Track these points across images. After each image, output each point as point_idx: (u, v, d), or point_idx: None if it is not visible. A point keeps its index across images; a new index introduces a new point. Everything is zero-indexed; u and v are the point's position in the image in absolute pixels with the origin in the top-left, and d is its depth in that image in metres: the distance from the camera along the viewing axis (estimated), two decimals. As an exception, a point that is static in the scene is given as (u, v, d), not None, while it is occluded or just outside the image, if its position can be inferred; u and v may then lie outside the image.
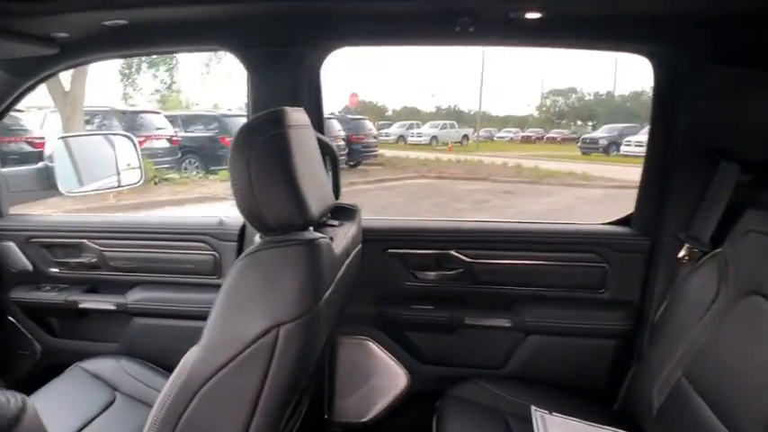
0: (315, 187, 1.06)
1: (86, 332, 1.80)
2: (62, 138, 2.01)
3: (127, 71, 13.67)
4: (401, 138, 21.30)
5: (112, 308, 1.73)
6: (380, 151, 14.92)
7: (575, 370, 1.62)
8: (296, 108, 1.07)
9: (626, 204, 1.67)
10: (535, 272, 1.63)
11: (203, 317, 1.70)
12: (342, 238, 1.19)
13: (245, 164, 0.94)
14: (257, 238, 1.58)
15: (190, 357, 0.96)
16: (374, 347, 1.72)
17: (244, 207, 0.96)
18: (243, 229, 1.68)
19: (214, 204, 8.64)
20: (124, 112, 11.52)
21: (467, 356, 1.69)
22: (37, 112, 11.21)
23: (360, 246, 1.38)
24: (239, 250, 1.68)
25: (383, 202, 9.11)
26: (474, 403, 1.48)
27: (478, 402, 1.48)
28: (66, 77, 11.41)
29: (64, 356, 1.77)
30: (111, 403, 1.46)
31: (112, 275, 1.76)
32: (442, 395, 1.54)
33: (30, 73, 1.61)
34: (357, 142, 13.18)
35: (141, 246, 1.73)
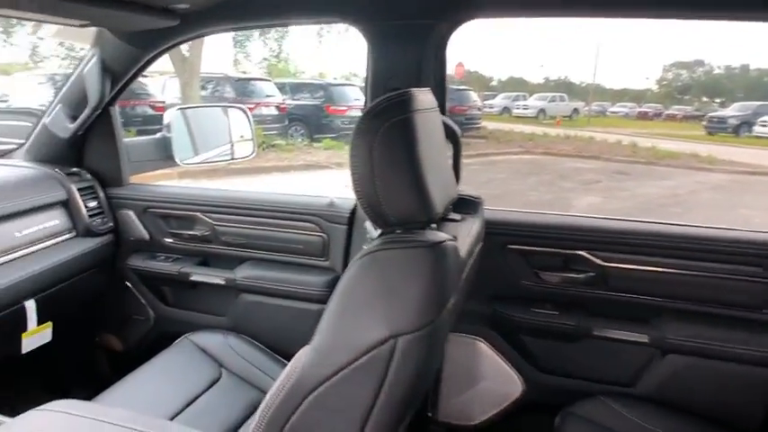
0: (439, 179, 0.94)
1: (196, 304, 1.82)
2: (180, 109, 2.02)
3: (240, 37, 14.16)
4: (506, 110, 20.56)
5: (222, 282, 1.72)
6: (483, 123, 14.48)
7: (722, 400, 1.39)
8: (422, 89, 0.94)
9: (760, 193, 1.37)
10: (683, 283, 1.41)
11: (310, 299, 1.70)
12: (465, 236, 1.06)
13: (367, 151, 0.84)
14: (368, 225, 1.49)
15: (301, 358, 0.88)
16: (486, 349, 1.58)
17: (363, 199, 0.87)
18: (353, 212, 1.60)
19: (317, 172, 8.81)
20: (237, 79, 12.00)
21: (592, 370, 1.51)
22: (158, 77, 11.97)
23: (481, 243, 1.24)
24: (349, 234, 1.60)
25: (484, 178, 8.84)
26: (598, 425, 1.32)
27: (603, 424, 1.32)
28: (184, 45, 12.01)
29: (174, 325, 1.81)
30: (217, 380, 1.47)
31: (223, 249, 1.75)
32: (560, 409, 1.40)
33: (151, 45, 1.60)
34: (460, 114, 12.87)
35: (252, 222, 1.70)
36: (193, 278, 1.75)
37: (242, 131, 2.11)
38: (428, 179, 0.86)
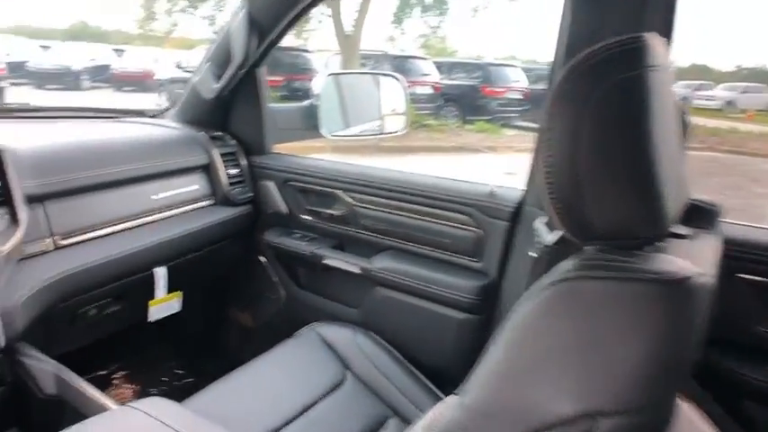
0: (673, 174, 0.61)
1: (328, 289, 1.65)
2: (332, 74, 1.85)
3: (399, 14, 14.19)
4: (684, 99, 18.31)
5: (357, 271, 1.53)
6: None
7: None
8: (652, 33, 0.60)
9: None
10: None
11: (455, 305, 1.39)
12: (703, 262, 0.71)
13: (570, 125, 0.56)
14: (539, 224, 1.16)
15: (444, 413, 0.63)
16: (692, 414, 1.18)
17: (558, 195, 0.58)
18: (519, 206, 1.29)
19: (468, 156, 8.49)
20: (395, 57, 12.02)
21: None
22: (322, 54, 12.41)
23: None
24: (510, 233, 1.30)
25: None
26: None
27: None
28: (348, 21, 12.30)
29: (304, 310, 1.67)
30: (340, 384, 1.28)
31: (360, 233, 1.55)
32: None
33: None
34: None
35: (395, 207, 1.47)
36: (327, 262, 1.58)
37: (395, 104, 1.88)
38: (662, 174, 0.55)
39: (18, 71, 12.14)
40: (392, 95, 1.88)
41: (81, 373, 1.11)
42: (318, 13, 13.13)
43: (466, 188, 1.39)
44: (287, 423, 1.14)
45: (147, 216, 1.39)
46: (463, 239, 1.37)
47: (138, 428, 0.86)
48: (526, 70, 12.49)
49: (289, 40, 11.84)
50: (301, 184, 1.64)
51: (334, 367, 1.32)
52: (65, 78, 12.54)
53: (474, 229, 1.35)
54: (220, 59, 1.55)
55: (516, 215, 1.29)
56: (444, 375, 1.36)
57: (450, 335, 1.39)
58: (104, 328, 1.44)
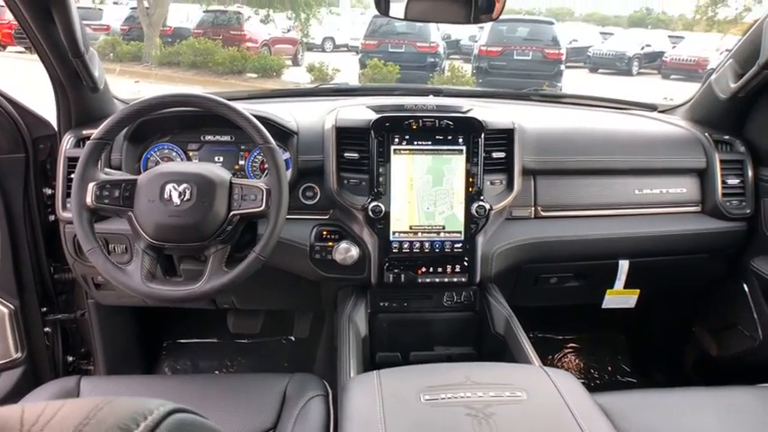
0: None
1: None
2: None
3: None
4: None
5: None
6: None
7: None
8: None
9: None
10: None
11: None
12: None
13: None
14: None
15: None
16: None
17: None
18: None
19: None
20: None
21: None
22: None
23: None
24: None
25: None
26: None
27: None
28: None
29: None
30: None
31: None
32: None
33: None
34: None
35: None
36: None
37: None
38: None
39: (580, 55, 13.44)
40: None
41: (528, 329, 1.28)
42: None
43: None
44: None
45: (626, 209, 1.43)
46: None
47: (538, 391, 0.93)
48: None
49: None
50: None
51: None
52: (617, 64, 13.18)
53: None
54: (745, 57, 1.38)
55: None
56: None
57: None
58: (561, 297, 1.59)
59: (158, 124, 1.29)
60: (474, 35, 12.05)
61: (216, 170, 1.11)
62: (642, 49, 13.77)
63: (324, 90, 2.01)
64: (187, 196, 1.05)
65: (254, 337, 1.91)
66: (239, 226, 1.12)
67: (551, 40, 9.13)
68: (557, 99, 1.87)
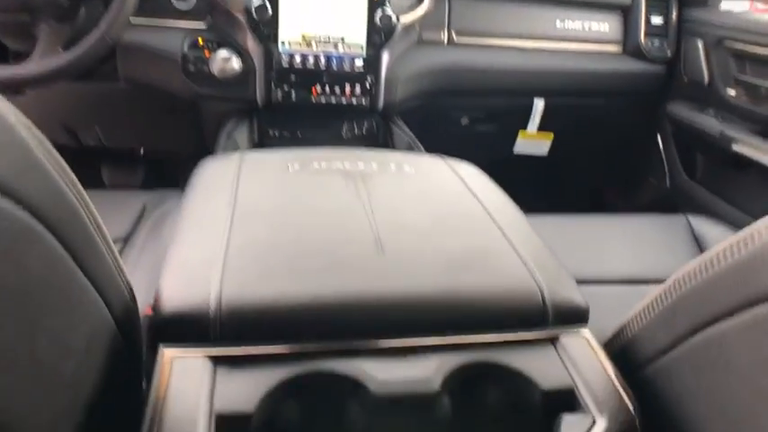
0: None
1: (729, 188, 1.29)
2: None
3: None
4: None
5: None
6: None
7: None
8: None
9: None
10: None
11: None
12: None
13: None
14: None
15: None
16: None
17: None
18: None
19: None
20: None
21: None
22: None
23: None
24: None
25: None
26: None
27: None
28: None
29: (684, 207, 1.36)
30: None
31: None
32: None
33: None
34: None
35: None
36: (737, 148, 1.20)
37: None
38: None
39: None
40: None
41: None
42: None
43: None
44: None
45: (544, 41, 1.31)
46: None
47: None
48: None
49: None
50: (741, 46, 1.26)
51: None
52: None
53: None
54: None
55: None
56: None
57: None
58: (472, 146, 1.48)
59: None
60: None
61: None
62: None
63: None
64: None
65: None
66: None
67: None
68: None
